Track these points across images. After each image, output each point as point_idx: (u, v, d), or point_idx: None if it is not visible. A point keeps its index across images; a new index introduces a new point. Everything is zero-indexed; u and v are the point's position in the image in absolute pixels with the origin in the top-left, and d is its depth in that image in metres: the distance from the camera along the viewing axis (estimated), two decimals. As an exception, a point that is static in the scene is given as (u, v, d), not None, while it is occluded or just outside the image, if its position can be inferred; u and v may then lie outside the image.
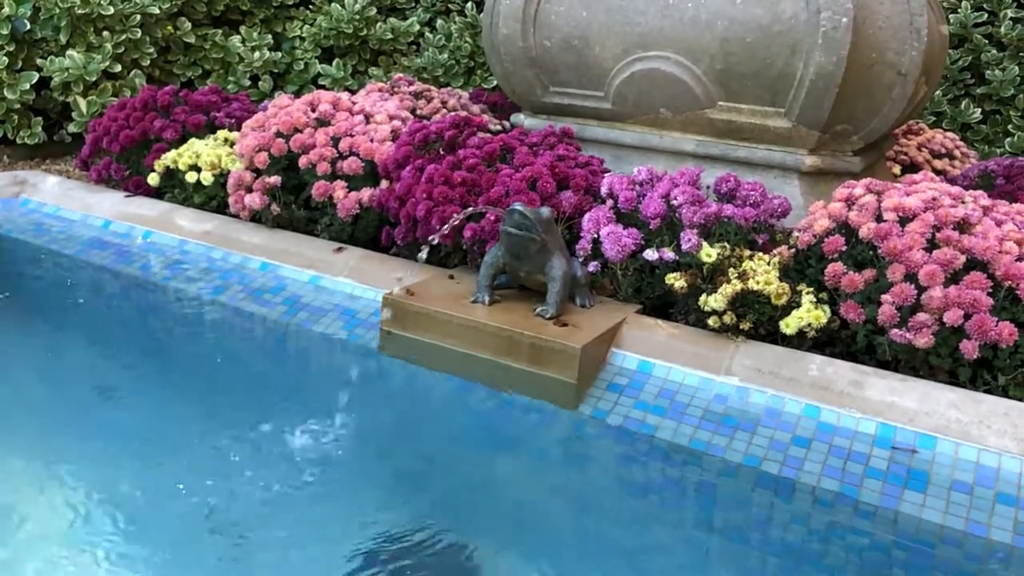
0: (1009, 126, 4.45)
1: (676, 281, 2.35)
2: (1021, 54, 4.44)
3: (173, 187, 3.40)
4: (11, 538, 1.66)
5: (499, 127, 3.54)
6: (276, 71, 5.02)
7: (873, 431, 2.03)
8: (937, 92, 4.57)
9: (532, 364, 2.27)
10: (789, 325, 2.22)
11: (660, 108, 2.99)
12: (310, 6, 5.29)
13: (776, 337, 2.29)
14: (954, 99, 4.63)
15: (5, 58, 4.25)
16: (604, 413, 2.21)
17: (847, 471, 1.97)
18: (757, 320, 2.27)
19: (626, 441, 2.14)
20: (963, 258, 2.12)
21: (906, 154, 3.68)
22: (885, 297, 2.14)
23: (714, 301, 2.26)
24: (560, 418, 2.22)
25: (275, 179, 3.02)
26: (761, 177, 2.84)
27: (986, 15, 4.50)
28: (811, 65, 2.65)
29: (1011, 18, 4.42)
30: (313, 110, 3.14)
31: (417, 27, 5.21)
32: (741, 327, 2.27)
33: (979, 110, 4.51)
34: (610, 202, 2.61)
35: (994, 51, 4.48)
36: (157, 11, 4.50)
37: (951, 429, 1.98)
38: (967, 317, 2.05)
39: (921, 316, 2.09)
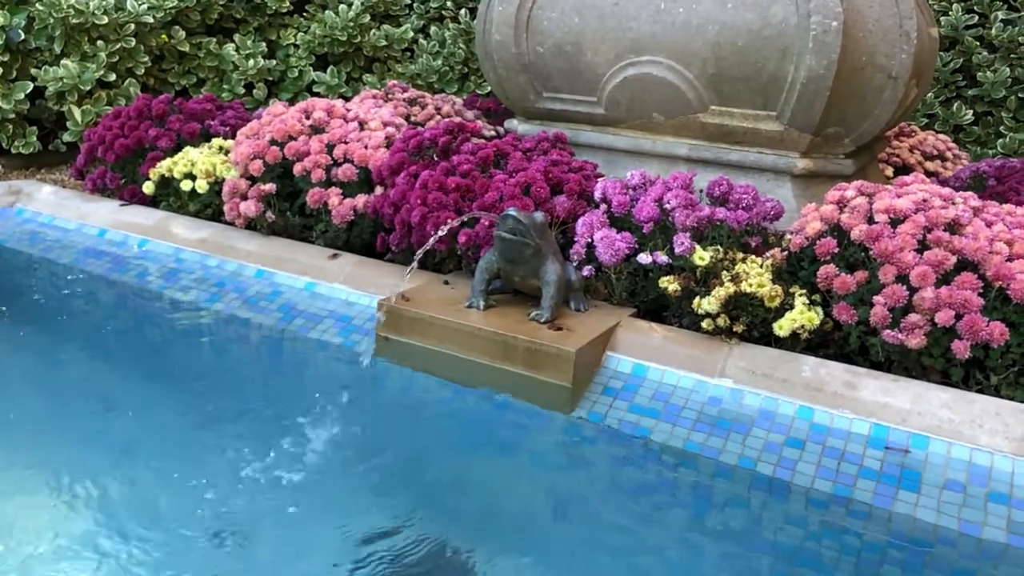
0: (1001, 127, 4.47)
1: (670, 284, 2.36)
2: (1012, 56, 4.46)
3: (168, 195, 3.41)
4: (11, 547, 1.66)
5: (493, 133, 3.55)
6: (270, 79, 5.04)
7: (866, 432, 2.04)
8: (929, 94, 4.59)
9: (527, 368, 2.27)
10: (782, 327, 2.23)
11: (653, 113, 3.00)
12: (304, 14, 5.31)
13: (769, 339, 2.30)
14: (946, 101, 4.66)
15: (0, 68, 4.26)
16: (599, 416, 2.22)
17: (841, 472, 1.98)
18: (750, 322, 2.28)
19: (621, 444, 2.15)
20: (954, 259, 2.13)
21: (898, 156, 3.70)
22: (877, 298, 2.15)
23: (707, 304, 2.27)
24: (555, 421, 2.23)
25: (270, 186, 3.03)
26: (754, 180, 2.86)
27: (977, 17, 4.53)
28: (802, 69, 2.66)
29: (1002, 20, 4.45)
30: (307, 117, 3.15)
31: (411, 34, 5.22)
32: (734, 329, 2.28)
33: (971, 112, 4.54)
34: (604, 206, 2.62)
35: (985, 53, 4.51)
36: (151, 20, 4.51)
37: (943, 429, 1.99)
38: (958, 317, 2.06)
39: (913, 317, 2.10)
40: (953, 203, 2.31)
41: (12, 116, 4.35)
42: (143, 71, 4.60)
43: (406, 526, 1.79)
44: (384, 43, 5.13)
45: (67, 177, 4.34)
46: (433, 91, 5.06)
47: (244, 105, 4.04)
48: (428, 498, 1.93)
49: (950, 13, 4.54)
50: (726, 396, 2.20)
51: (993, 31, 4.43)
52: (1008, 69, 4.42)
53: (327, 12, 5.04)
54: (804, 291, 2.30)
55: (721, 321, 2.28)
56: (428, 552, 1.72)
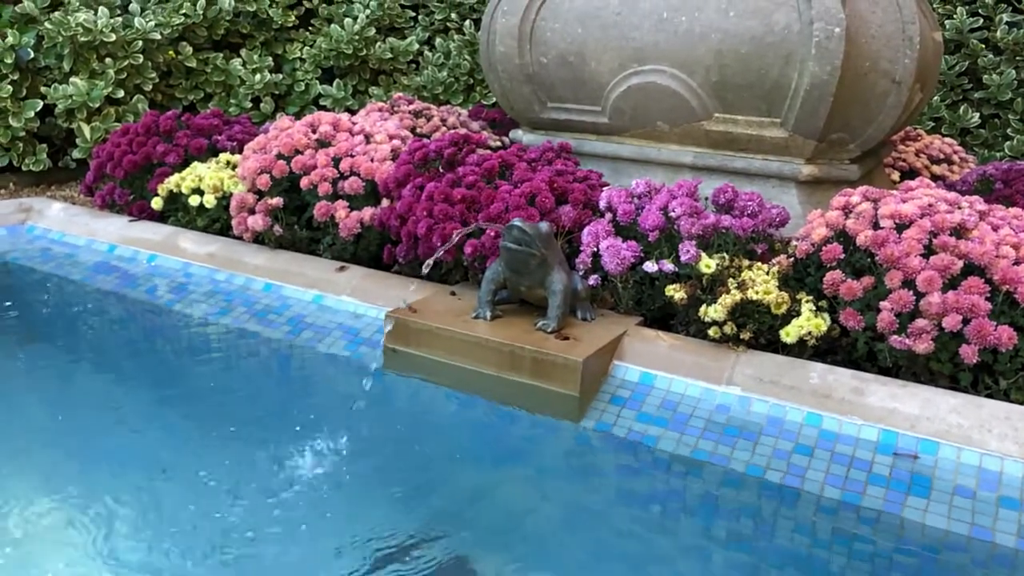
0: (1008, 130, 4.46)
1: (676, 292, 2.36)
2: (1018, 58, 4.46)
3: (177, 211, 3.43)
4: (23, 559, 1.67)
5: (498, 143, 3.57)
6: (277, 93, 5.07)
7: (875, 438, 2.04)
8: (935, 97, 4.59)
9: (535, 378, 2.28)
10: (789, 334, 2.23)
11: (657, 121, 3.01)
12: (310, 28, 5.35)
13: (777, 346, 2.30)
14: (952, 104, 4.65)
15: (10, 87, 4.31)
16: (607, 425, 2.22)
17: (850, 478, 1.97)
18: (757, 329, 2.28)
19: (629, 453, 2.15)
20: (960, 263, 2.13)
21: (904, 160, 3.69)
22: (884, 304, 2.15)
23: (714, 312, 2.27)
24: (563, 431, 2.23)
25: (277, 200, 3.05)
26: (759, 187, 2.86)
27: (982, 20, 4.53)
28: (805, 75, 2.67)
29: (1007, 22, 4.44)
30: (314, 131, 3.17)
31: (416, 46, 5.25)
32: (741, 337, 2.28)
33: (977, 114, 4.53)
34: (609, 215, 2.63)
35: (991, 55, 4.50)
36: (158, 36, 4.55)
37: (952, 434, 1.98)
38: (966, 322, 2.05)
39: (920, 322, 2.09)
40: (959, 207, 2.30)
41: (22, 134, 4.40)
42: (151, 87, 4.64)
43: (414, 537, 1.79)
44: (390, 56, 5.16)
45: (77, 194, 4.38)
46: (439, 102, 5.08)
47: (251, 119, 4.07)
48: (436, 509, 1.93)
49: (955, 16, 4.53)
50: (734, 404, 2.20)
51: (998, 33, 4.42)
52: (1014, 71, 4.42)
53: (333, 26, 5.07)
54: (811, 297, 2.30)
55: (728, 328, 2.28)
56: (437, 563, 1.72)
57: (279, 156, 3.09)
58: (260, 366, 2.64)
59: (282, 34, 5.28)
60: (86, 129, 4.36)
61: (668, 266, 2.42)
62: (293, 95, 5.10)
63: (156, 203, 3.42)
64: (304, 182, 3.02)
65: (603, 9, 2.98)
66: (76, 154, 4.45)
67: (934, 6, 4.60)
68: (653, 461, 2.11)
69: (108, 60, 4.45)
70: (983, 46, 4.51)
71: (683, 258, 2.39)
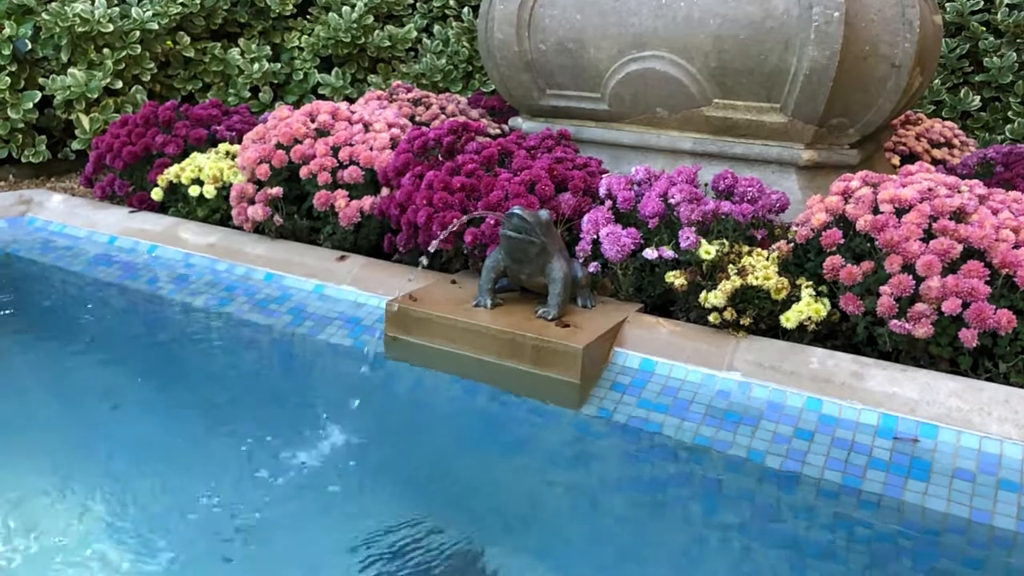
0: (1009, 112, 4.45)
1: (676, 279, 2.37)
2: (1018, 40, 4.44)
3: (177, 201, 3.43)
4: (26, 552, 1.68)
5: (498, 131, 3.57)
6: (276, 82, 5.06)
7: (875, 422, 2.05)
8: (936, 81, 4.57)
9: (535, 366, 2.28)
10: (789, 319, 2.23)
11: (656, 107, 3.00)
12: (308, 16, 5.33)
13: (777, 331, 2.30)
14: (953, 87, 4.64)
15: (8, 78, 4.30)
16: (608, 412, 2.23)
17: (850, 462, 1.98)
18: (757, 315, 2.28)
19: (631, 439, 2.16)
20: (960, 247, 2.13)
21: (905, 144, 3.69)
22: (884, 288, 2.15)
23: (714, 298, 2.27)
24: (565, 418, 2.24)
25: (277, 190, 3.05)
26: (759, 172, 2.86)
27: (982, 2, 4.50)
28: (805, 60, 2.66)
29: (1007, 5, 4.42)
30: (312, 120, 3.17)
31: (415, 34, 5.23)
32: (742, 323, 2.28)
33: (978, 98, 4.51)
34: (609, 203, 2.63)
35: (991, 38, 4.48)
36: (156, 27, 4.54)
37: (952, 417, 1.99)
38: (965, 306, 2.06)
39: (920, 306, 2.10)
40: (958, 191, 2.30)
41: (21, 126, 4.39)
42: (149, 78, 4.63)
43: (416, 525, 1.80)
44: (388, 43, 5.15)
45: (77, 185, 4.38)
46: (438, 90, 5.07)
47: (250, 109, 4.06)
48: (439, 497, 1.94)
49: (955, -1, 4.51)
50: (734, 389, 2.21)
51: (999, 16, 4.41)
52: (1015, 54, 4.40)
53: (331, 14, 5.05)
54: (811, 283, 2.30)
55: (728, 314, 2.28)
56: (440, 550, 1.73)
57: (278, 146, 3.09)
58: (262, 356, 2.65)
59: (280, 23, 5.26)
60: (85, 120, 4.36)
61: (668, 253, 2.42)
62: (292, 84, 5.09)
63: (156, 194, 3.42)
64: (303, 171, 3.02)
65: (601, -5, 2.97)
66: (75, 145, 4.45)
67: (934, -11, 4.58)
68: (654, 447, 2.12)
69: (106, 51, 4.44)
70: (984, 29, 4.49)
71: (683, 244, 2.39)
